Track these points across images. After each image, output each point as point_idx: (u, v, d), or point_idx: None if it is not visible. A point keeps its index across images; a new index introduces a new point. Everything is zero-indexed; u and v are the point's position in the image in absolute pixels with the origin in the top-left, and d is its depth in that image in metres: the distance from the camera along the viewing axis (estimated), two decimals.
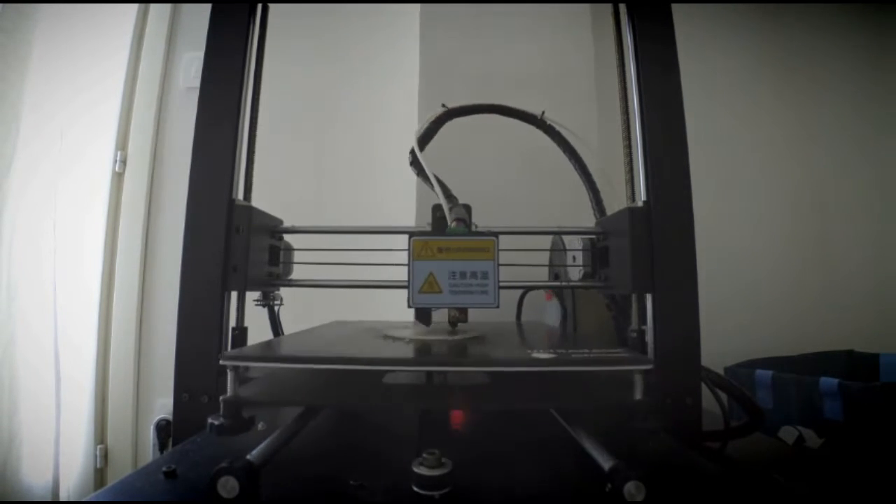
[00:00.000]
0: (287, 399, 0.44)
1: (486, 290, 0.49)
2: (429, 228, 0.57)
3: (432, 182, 0.58)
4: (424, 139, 0.67)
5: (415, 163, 0.62)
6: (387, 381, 0.45)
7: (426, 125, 0.68)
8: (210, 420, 0.39)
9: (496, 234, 0.51)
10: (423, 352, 0.51)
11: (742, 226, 1.38)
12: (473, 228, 0.56)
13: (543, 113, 0.75)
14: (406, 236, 0.52)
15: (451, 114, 0.71)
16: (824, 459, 0.74)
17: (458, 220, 0.54)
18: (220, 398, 0.39)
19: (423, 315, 0.56)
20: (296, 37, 1.27)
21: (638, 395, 0.39)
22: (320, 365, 0.41)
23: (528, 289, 0.88)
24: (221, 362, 0.40)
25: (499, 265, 0.50)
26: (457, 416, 0.50)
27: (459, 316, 0.55)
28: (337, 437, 0.48)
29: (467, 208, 0.58)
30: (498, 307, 0.50)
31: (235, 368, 0.40)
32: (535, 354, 0.41)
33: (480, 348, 0.51)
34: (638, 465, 0.31)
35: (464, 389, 0.46)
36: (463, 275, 0.50)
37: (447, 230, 0.54)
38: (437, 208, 0.57)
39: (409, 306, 0.50)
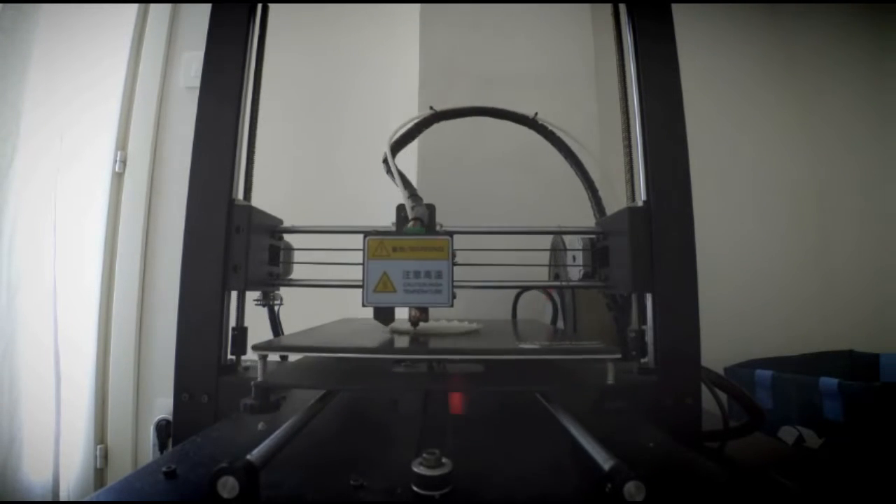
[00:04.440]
0: (310, 383, 0.49)
1: (440, 289, 0.50)
2: (392, 227, 0.58)
3: (396, 180, 0.58)
4: (404, 139, 0.67)
5: (386, 161, 0.62)
6: (395, 370, 0.50)
7: (408, 126, 0.68)
8: (243, 401, 0.43)
9: (450, 234, 0.51)
10: (427, 344, 0.54)
11: (742, 226, 1.38)
12: (438, 228, 0.57)
13: (536, 114, 0.74)
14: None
15: (438, 116, 0.70)
16: (824, 459, 0.74)
17: (415, 219, 0.54)
18: (252, 382, 0.43)
19: (381, 314, 0.56)
20: (295, 36, 1.27)
21: (610, 381, 0.43)
22: (342, 354, 0.47)
23: (524, 289, 0.89)
24: (253, 350, 0.45)
25: (454, 264, 0.50)
26: (455, 400, 0.54)
27: (420, 315, 0.55)
28: (337, 436, 0.48)
29: (430, 208, 0.58)
30: (451, 306, 0.50)
31: (264, 357, 0.44)
32: (522, 345, 0.46)
33: (477, 341, 0.56)
34: (638, 465, 0.31)
35: (461, 376, 0.50)
36: (417, 274, 0.50)
37: (404, 229, 0.54)
38: (401, 208, 0.58)
39: (363, 305, 0.50)
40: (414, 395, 0.54)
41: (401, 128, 0.67)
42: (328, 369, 0.50)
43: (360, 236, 0.63)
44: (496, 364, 0.50)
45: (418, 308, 0.54)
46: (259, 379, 0.44)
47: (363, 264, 0.50)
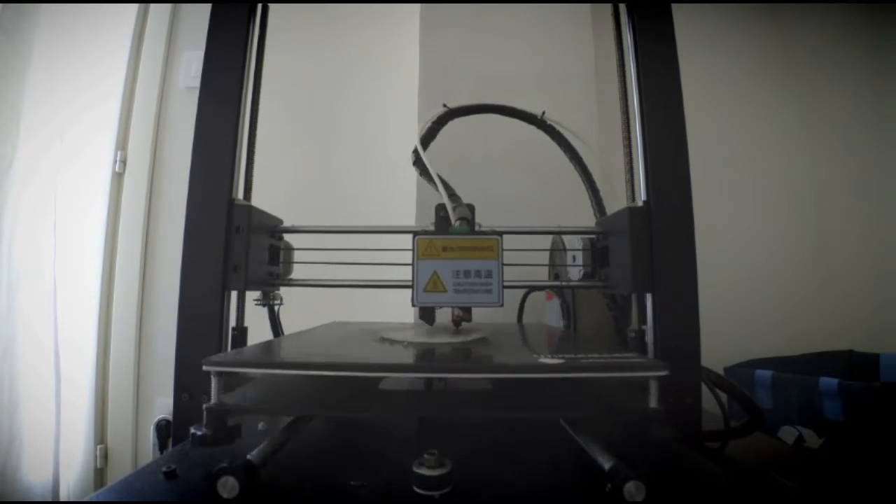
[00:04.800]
0: (274, 408, 0.41)
1: (491, 288, 0.50)
2: (431, 228, 0.57)
3: (436, 182, 0.58)
4: (427, 139, 0.67)
5: (418, 162, 0.62)
6: (384, 387, 0.44)
7: (428, 125, 0.68)
8: (192, 430, 0.35)
9: (500, 234, 0.51)
10: (423, 356, 0.47)
11: (742, 225, 1.38)
12: (476, 228, 0.56)
13: (544, 113, 0.75)
14: (409, 236, 0.52)
15: (452, 114, 0.71)
16: (824, 459, 0.74)
17: (461, 219, 0.54)
18: (203, 406, 0.36)
19: (427, 314, 0.57)
20: (295, 36, 1.27)
21: (653, 403, 0.36)
22: (311, 371, 0.37)
23: (530, 289, 0.88)
24: (205, 368, 0.37)
25: (503, 264, 0.50)
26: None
27: (463, 315, 0.55)
28: (338, 437, 0.48)
29: (471, 208, 0.58)
30: (502, 306, 0.50)
31: (220, 374, 0.37)
32: (542, 359, 0.38)
33: (483, 352, 0.49)
34: (638, 465, 0.31)
35: (464, 396, 0.43)
36: (467, 273, 0.50)
37: (451, 229, 0.54)
38: (440, 208, 0.57)
39: (414, 305, 0.50)
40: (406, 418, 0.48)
41: (423, 127, 0.67)
42: (306, 385, 0.43)
43: (360, 236, 0.63)
44: (506, 379, 0.41)
45: (462, 308, 0.54)
46: (212, 401, 0.36)
47: (412, 264, 0.50)
